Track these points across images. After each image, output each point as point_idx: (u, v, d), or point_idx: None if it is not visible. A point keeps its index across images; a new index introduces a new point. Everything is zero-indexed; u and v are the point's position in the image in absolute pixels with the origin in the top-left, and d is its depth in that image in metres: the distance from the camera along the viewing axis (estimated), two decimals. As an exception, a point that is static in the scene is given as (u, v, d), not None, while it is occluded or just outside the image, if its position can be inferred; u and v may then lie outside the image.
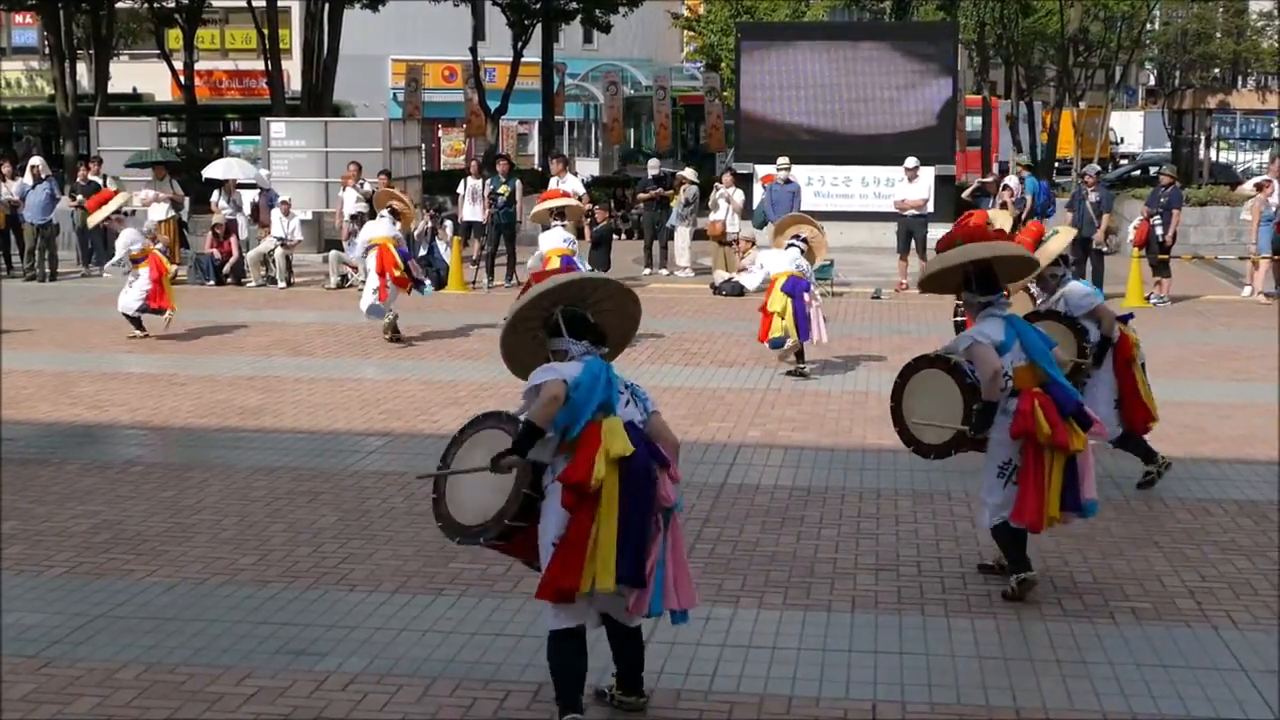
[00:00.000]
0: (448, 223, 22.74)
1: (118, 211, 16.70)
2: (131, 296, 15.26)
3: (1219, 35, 49.76)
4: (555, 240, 14.67)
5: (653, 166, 23.55)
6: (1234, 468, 9.68)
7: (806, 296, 12.56)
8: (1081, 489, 6.96)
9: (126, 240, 15.54)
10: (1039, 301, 9.24)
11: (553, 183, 21.64)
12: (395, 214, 15.26)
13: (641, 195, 22.53)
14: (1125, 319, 9.27)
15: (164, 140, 32.93)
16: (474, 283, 20.34)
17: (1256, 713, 5.70)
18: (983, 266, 7.20)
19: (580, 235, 17.08)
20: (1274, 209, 18.48)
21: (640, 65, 49.22)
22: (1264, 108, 50.75)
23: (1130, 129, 58.51)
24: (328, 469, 9.68)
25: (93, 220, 17.60)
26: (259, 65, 36.99)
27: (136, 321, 15.36)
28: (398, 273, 14.72)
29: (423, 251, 19.84)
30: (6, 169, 22.24)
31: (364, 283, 15.25)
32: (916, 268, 17.86)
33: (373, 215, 15.72)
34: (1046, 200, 21.33)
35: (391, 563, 7.58)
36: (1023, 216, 18.37)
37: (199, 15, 34.71)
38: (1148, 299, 18.02)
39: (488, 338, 15.25)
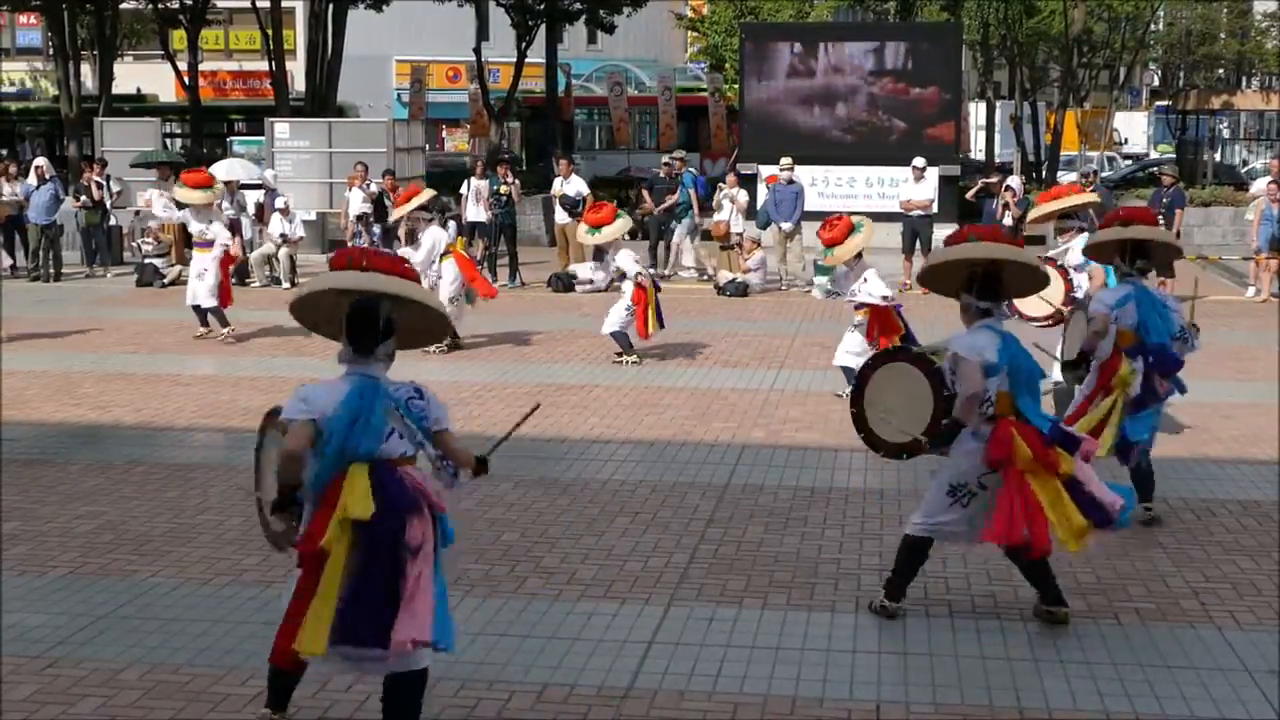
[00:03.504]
0: (451, 223, 22.73)
1: (423, 208, 14.92)
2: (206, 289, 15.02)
3: (1223, 36, 49.81)
4: (629, 264, 14.01)
5: (667, 159, 23.35)
6: (1237, 468, 9.68)
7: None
8: (1102, 501, 6.41)
9: (434, 239, 14.47)
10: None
11: (556, 184, 21.68)
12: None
13: (669, 197, 21.84)
14: None
15: (168, 141, 33.03)
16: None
17: (1260, 713, 5.70)
18: (993, 269, 6.53)
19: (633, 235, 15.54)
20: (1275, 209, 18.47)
21: (644, 65, 49.23)
22: (1268, 108, 50.74)
23: (1134, 129, 58.48)
24: (331, 469, 9.66)
25: (396, 214, 15.60)
26: (263, 66, 37.02)
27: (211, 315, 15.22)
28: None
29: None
30: (11, 169, 22.29)
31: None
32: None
33: (379, 216, 15.71)
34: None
35: (395, 563, 7.55)
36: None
37: (203, 16, 34.75)
38: (1152, 299, 17.98)
39: (490, 337, 15.26)
